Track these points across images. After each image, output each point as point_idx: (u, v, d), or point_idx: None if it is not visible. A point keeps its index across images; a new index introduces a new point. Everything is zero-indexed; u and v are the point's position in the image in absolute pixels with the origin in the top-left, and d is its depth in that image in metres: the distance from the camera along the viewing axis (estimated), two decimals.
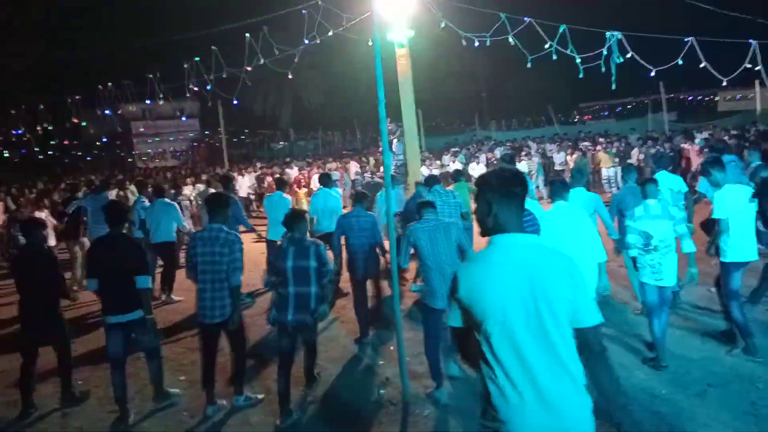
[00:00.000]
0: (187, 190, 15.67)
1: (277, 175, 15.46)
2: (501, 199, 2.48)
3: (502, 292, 2.39)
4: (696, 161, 14.78)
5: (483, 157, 21.73)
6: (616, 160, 17.88)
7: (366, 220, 7.07)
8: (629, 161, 16.67)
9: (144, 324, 5.35)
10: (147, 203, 9.84)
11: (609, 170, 17.77)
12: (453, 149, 27.07)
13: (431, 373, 5.49)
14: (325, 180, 9.82)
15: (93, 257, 5.50)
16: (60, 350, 5.85)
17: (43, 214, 10.72)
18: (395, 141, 15.13)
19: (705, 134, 20.79)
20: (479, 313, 2.42)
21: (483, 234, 2.61)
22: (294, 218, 5.41)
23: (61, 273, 5.96)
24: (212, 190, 13.69)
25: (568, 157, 19.23)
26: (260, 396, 5.67)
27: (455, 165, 18.67)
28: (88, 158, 42.38)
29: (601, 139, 22.55)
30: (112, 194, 14.33)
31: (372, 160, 22.92)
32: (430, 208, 5.64)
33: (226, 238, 5.25)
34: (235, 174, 18.84)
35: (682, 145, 17.18)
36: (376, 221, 7.25)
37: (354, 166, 21.15)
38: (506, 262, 2.43)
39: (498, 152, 22.68)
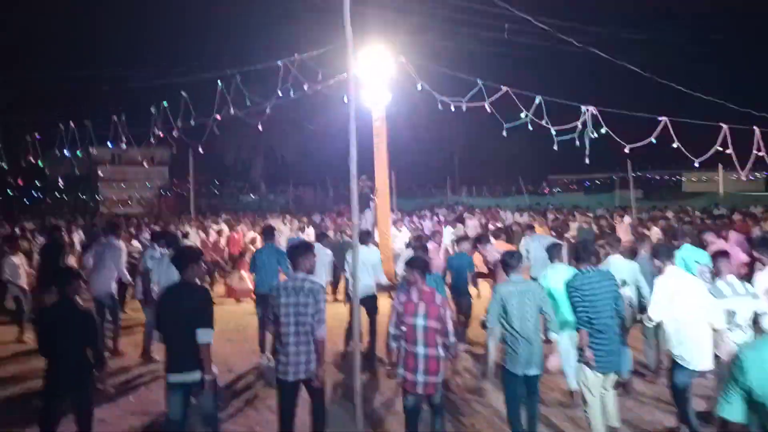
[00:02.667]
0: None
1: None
2: None
3: None
4: (624, 238, 15.24)
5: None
6: (553, 233, 17.93)
7: None
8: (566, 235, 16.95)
9: (202, 385, 4.82)
10: (157, 254, 8.59)
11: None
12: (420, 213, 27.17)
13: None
14: (365, 237, 9.50)
15: (159, 307, 5.05)
16: None
17: (17, 260, 9.89)
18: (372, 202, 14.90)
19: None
20: None
21: None
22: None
23: None
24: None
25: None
26: None
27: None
28: (49, 200, 41.28)
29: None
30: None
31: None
32: (515, 268, 5.40)
33: (311, 288, 4.89)
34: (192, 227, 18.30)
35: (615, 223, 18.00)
36: None
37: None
38: None
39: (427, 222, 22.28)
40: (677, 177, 46.83)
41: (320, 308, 4.87)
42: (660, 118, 11.07)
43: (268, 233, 9.40)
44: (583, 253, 5.55)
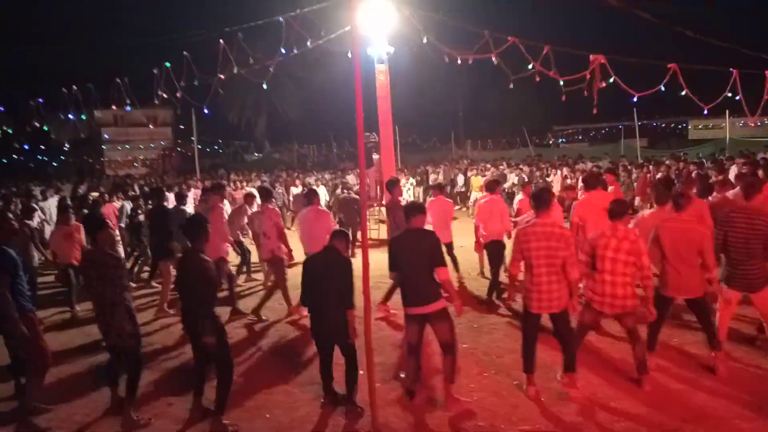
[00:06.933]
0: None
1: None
2: None
3: None
4: (557, 188, 16.58)
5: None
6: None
7: None
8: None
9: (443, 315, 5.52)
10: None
11: (477, 194, 19.27)
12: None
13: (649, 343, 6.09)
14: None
15: (393, 249, 5.72)
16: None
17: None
18: (375, 156, 14.88)
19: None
20: None
21: None
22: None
23: None
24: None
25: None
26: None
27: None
28: (54, 164, 41.32)
29: (482, 165, 25.23)
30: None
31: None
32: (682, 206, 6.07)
33: (562, 234, 5.48)
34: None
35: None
36: None
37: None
38: None
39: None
40: (683, 124, 46.33)
41: (572, 252, 5.50)
42: (669, 65, 10.90)
43: (391, 185, 9.51)
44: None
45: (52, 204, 14.83)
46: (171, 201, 12.26)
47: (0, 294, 5.33)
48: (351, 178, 21.54)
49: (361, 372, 6.21)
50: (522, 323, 5.92)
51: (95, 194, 16.56)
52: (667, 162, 19.36)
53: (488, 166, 25.74)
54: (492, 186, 9.56)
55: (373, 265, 5.40)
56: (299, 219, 8.84)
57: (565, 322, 5.69)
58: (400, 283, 5.62)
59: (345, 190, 16.19)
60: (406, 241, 5.65)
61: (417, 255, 5.49)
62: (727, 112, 26.01)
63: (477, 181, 20.75)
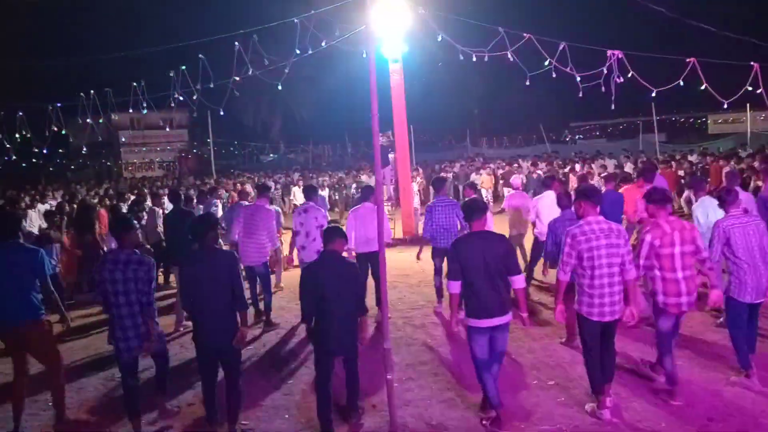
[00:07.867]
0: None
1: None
2: None
3: None
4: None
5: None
6: (501, 182, 20.63)
7: None
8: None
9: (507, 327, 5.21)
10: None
11: (488, 192, 20.12)
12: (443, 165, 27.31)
13: (739, 359, 5.60)
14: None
15: (457, 255, 5.12)
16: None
17: None
18: (390, 156, 14.87)
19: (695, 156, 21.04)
20: None
21: None
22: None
23: None
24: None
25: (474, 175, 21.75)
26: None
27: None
28: (72, 167, 41.83)
29: (491, 165, 25.04)
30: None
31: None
32: (731, 203, 5.68)
33: (620, 230, 5.11)
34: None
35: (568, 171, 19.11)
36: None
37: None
38: None
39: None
40: (702, 119, 45.78)
41: (630, 249, 5.10)
42: (688, 60, 10.74)
43: (438, 183, 9.14)
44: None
45: (35, 212, 14.82)
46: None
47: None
48: (365, 178, 21.73)
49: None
50: (583, 336, 5.28)
51: (95, 200, 16.69)
52: (690, 158, 19.20)
53: (503, 163, 25.66)
54: (548, 182, 9.44)
55: (388, 265, 5.36)
56: (353, 216, 8.38)
57: (614, 331, 5.25)
58: (465, 293, 5.09)
59: (360, 190, 16.18)
60: (474, 246, 5.08)
61: (488, 261, 4.99)
62: (747, 105, 25.65)
63: (487, 179, 20.84)
